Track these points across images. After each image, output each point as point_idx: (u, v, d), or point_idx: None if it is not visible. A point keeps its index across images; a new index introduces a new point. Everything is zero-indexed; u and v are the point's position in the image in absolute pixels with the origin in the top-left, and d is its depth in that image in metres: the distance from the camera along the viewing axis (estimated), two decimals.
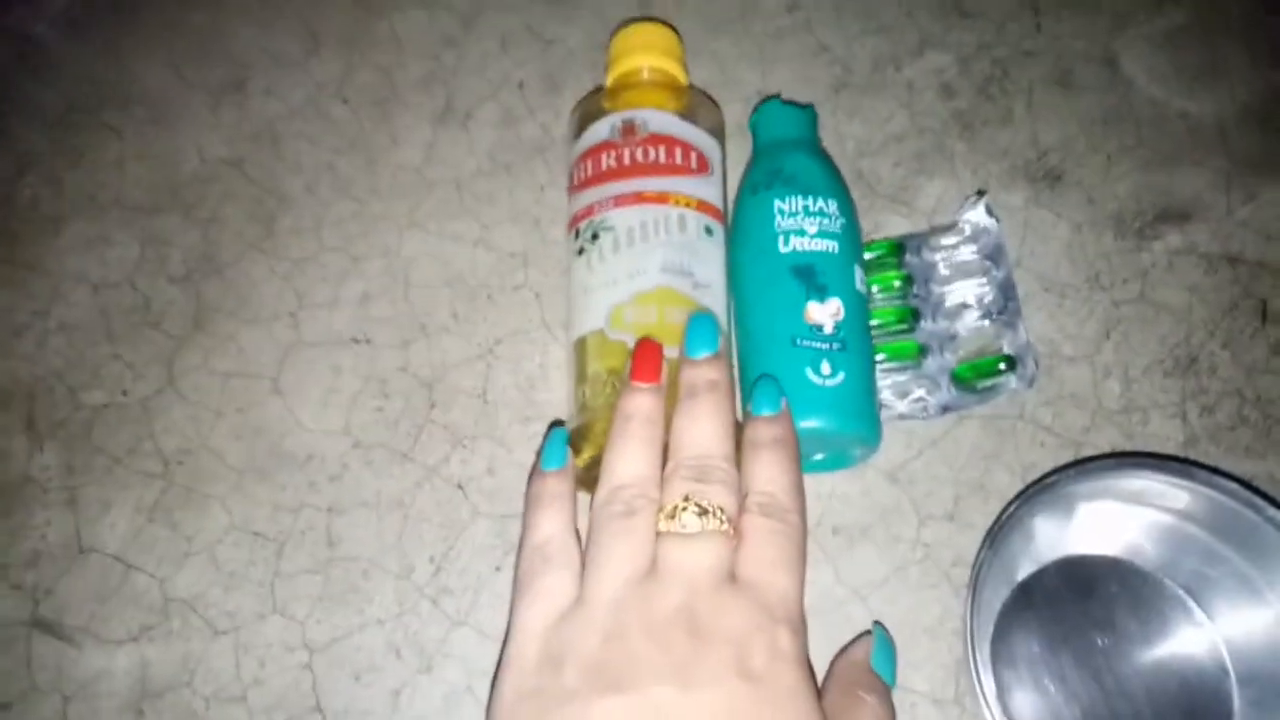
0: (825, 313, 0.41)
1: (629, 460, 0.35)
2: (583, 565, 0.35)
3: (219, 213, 0.52)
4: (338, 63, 0.56)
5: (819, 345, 0.40)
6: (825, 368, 0.40)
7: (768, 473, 0.35)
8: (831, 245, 0.42)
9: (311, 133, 0.54)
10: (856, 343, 0.41)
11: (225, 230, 0.52)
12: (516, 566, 0.36)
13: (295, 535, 0.45)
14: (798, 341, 0.40)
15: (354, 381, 0.48)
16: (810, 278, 0.42)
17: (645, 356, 0.38)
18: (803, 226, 0.42)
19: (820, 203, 0.43)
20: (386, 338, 0.48)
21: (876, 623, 0.39)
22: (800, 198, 0.43)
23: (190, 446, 0.47)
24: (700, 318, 0.39)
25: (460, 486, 0.45)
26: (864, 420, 0.40)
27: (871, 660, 0.36)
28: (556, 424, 0.45)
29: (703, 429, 0.36)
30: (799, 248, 0.42)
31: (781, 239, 0.42)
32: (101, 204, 0.53)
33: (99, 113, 0.55)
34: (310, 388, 0.48)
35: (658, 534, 0.34)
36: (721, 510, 0.33)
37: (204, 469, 0.46)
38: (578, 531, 0.37)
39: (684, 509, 0.33)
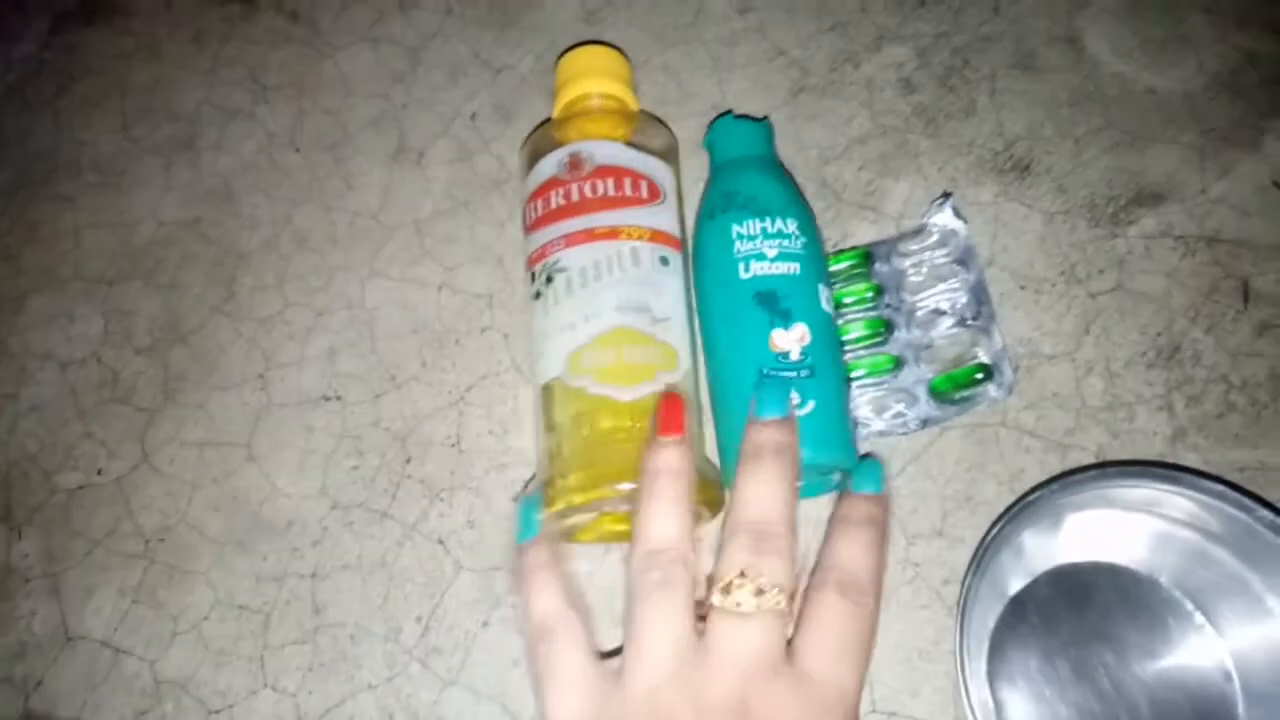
0: (791, 339, 0.40)
1: (660, 521, 0.34)
2: (588, 631, 0.34)
3: (179, 277, 0.51)
4: (287, 109, 0.55)
5: (786, 374, 0.39)
6: (793, 397, 0.39)
7: (856, 552, 0.34)
8: (793, 267, 0.41)
9: (266, 185, 0.53)
10: (825, 366, 0.40)
11: (187, 295, 0.51)
12: (526, 647, 0.35)
13: (280, 605, 0.44)
14: (765, 372, 0.39)
15: (327, 441, 0.47)
16: (773, 304, 0.41)
17: (669, 411, 0.37)
18: (762, 250, 0.41)
19: (779, 223, 0.42)
20: (357, 393, 0.48)
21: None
22: (757, 220, 0.42)
23: (169, 523, 0.46)
24: (771, 380, 0.38)
25: (441, 541, 0.45)
26: (838, 448, 0.39)
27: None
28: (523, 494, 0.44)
29: (766, 491, 0.34)
30: (760, 273, 0.41)
31: (742, 265, 0.41)
32: (61, 277, 0.52)
33: (51, 184, 0.55)
34: (284, 451, 0.47)
35: (711, 608, 0.32)
36: (778, 589, 0.32)
37: (185, 545, 0.46)
38: (575, 595, 0.35)
39: (740, 586, 0.32)
